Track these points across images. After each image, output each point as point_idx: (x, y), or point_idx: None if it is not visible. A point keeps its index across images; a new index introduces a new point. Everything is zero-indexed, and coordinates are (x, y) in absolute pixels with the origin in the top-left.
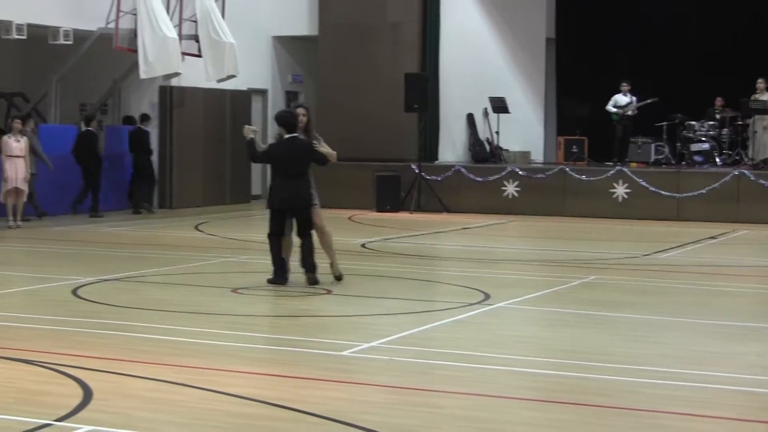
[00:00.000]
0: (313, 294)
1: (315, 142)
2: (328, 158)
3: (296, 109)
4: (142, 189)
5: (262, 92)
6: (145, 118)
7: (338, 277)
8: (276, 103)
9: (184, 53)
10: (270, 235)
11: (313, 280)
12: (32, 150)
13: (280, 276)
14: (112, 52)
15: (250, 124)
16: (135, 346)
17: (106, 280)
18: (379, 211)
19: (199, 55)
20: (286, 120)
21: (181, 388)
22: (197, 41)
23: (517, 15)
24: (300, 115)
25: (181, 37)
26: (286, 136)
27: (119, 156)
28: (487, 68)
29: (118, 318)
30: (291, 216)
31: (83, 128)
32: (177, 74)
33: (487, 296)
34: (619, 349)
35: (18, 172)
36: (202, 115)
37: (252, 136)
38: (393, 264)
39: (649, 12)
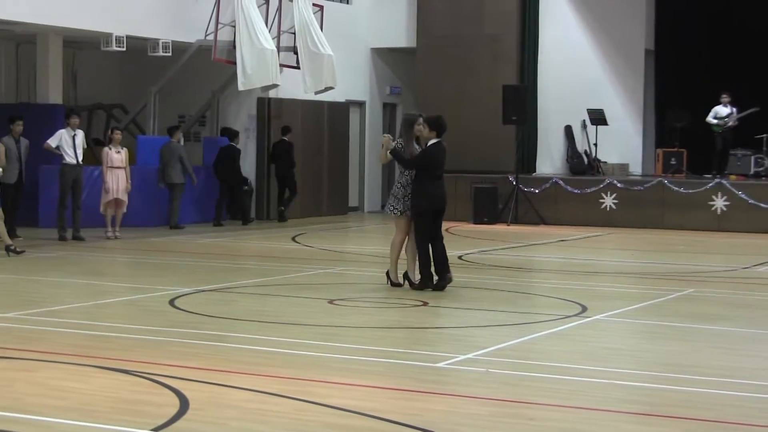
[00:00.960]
0: (410, 306)
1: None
2: None
3: (419, 118)
4: (227, 202)
5: (360, 104)
6: (235, 134)
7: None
8: (374, 115)
9: (282, 65)
10: (425, 240)
11: (450, 279)
12: (180, 160)
13: (432, 280)
14: (210, 64)
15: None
16: (231, 356)
17: (203, 290)
18: (476, 222)
19: (298, 67)
20: (440, 124)
21: (278, 398)
22: (295, 53)
23: (616, 26)
24: (420, 124)
25: (279, 48)
26: (434, 140)
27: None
28: (586, 80)
29: (214, 328)
30: (437, 218)
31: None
32: (275, 86)
33: (584, 308)
34: (717, 362)
35: (119, 182)
36: (300, 127)
37: (393, 144)
38: (490, 276)
39: (748, 19)
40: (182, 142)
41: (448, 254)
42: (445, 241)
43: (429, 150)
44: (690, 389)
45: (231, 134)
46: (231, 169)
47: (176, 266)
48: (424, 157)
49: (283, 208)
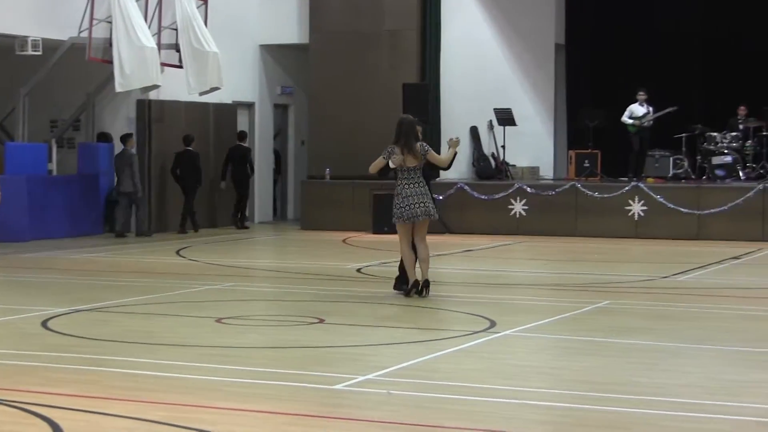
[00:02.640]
0: (304, 323)
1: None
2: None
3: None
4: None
5: (249, 105)
6: (191, 140)
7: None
8: (264, 117)
9: (163, 64)
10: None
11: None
12: (131, 169)
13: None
14: (85, 63)
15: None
16: (110, 381)
17: (80, 310)
18: (376, 232)
19: (180, 66)
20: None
21: (161, 427)
22: (178, 51)
23: (524, 20)
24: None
25: (160, 46)
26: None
27: (94, 177)
28: (492, 78)
29: (92, 351)
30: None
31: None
32: (156, 87)
33: (493, 323)
34: (637, 378)
35: None
36: (183, 131)
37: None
38: (391, 290)
39: (666, 15)
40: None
41: (347, 267)
42: (347, 253)
43: None
44: (609, 408)
45: (188, 140)
46: (191, 173)
47: (50, 284)
48: None
49: (184, 224)
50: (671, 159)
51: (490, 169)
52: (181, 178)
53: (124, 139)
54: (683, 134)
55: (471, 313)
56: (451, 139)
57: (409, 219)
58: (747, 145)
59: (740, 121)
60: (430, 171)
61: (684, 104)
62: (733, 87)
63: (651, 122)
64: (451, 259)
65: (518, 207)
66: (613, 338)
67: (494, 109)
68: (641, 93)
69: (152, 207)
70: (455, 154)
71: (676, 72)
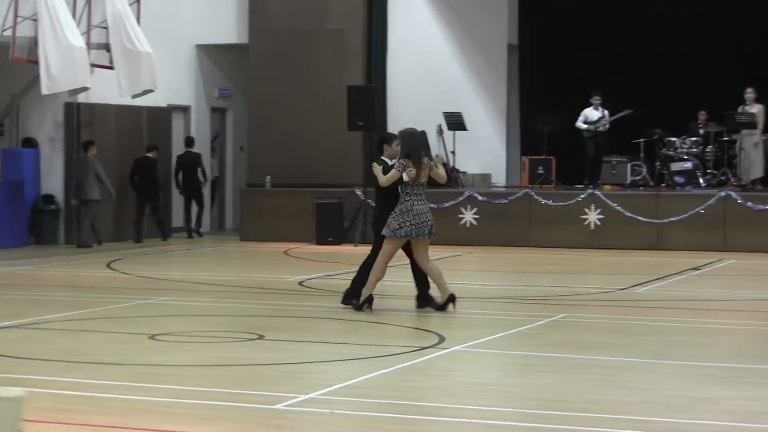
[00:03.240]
0: (242, 340)
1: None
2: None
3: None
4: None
5: (184, 109)
6: (153, 147)
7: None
8: (200, 122)
9: (93, 65)
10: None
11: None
12: (96, 176)
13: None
14: (9, 63)
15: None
16: (33, 402)
17: (2, 327)
18: (319, 243)
19: (111, 67)
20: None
21: None
22: (108, 51)
23: (476, 19)
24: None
25: (89, 46)
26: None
27: (18, 184)
28: (442, 80)
29: (14, 370)
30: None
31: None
32: (85, 89)
33: (441, 339)
34: (594, 396)
35: None
36: (114, 136)
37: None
38: (335, 304)
39: (623, 15)
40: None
41: (288, 280)
42: (289, 265)
43: None
44: (565, 427)
45: (150, 147)
46: (149, 181)
47: None
48: None
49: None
50: (629, 165)
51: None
52: (138, 186)
53: (86, 146)
54: (641, 139)
55: (419, 327)
56: (437, 156)
57: (419, 235)
58: (707, 150)
59: (701, 125)
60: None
61: (642, 108)
62: (694, 90)
63: (606, 127)
64: (398, 271)
65: (469, 216)
66: (569, 354)
67: (444, 112)
68: (596, 97)
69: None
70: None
71: (634, 74)
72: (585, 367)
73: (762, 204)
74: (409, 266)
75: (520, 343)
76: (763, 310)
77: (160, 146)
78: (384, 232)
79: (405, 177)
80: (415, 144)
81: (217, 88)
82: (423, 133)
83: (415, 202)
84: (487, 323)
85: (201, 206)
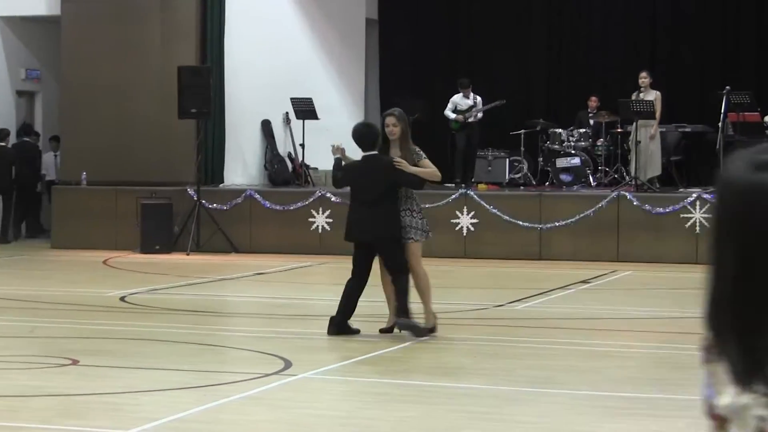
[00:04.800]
0: (53, 365)
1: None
2: (425, 177)
3: (385, 118)
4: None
5: None
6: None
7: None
8: (4, 108)
9: None
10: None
11: (403, 326)
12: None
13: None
14: None
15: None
16: None
17: None
18: (144, 252)
19: None
20: (360, 135)
21: None
22: None
23: None
24: (389, 125)
25: None
26: (364, 154)
27: None
28: (289, 60)
29: None
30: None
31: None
32: None
33: (288, 364)
34: (466, 431)
35: None
36: None
37: (338, 155)
38: (163, 323)
39: None
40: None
41: (108, 295)
42: (109, 277)
43: (346, 167)
44: None
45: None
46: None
47: None
48: (341, 177)
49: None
50: (507, 161)
51: (286, 173)
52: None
53: (2, 135)
54: (521, 131)
55: (262, 351)
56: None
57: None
58: (598, 144)
59: (591, 114)
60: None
61: (523, 94)
62: (582, 74)
63: (479, 116)
64: (238, 284)
65: (321, 220)
66: (437, 381)
67: (291, 98)
68: (464, 80)
69: None
70: (337, 161)
71: (512, 55)
72: (456, 396)
73: (661, 207)
74: (251, 278)
75: (380, 368)
76: (661, 330)
77: None
78: (415, 236)
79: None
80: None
81: (23, 68)
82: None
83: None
84: (341, 345)
85: (39, 206)
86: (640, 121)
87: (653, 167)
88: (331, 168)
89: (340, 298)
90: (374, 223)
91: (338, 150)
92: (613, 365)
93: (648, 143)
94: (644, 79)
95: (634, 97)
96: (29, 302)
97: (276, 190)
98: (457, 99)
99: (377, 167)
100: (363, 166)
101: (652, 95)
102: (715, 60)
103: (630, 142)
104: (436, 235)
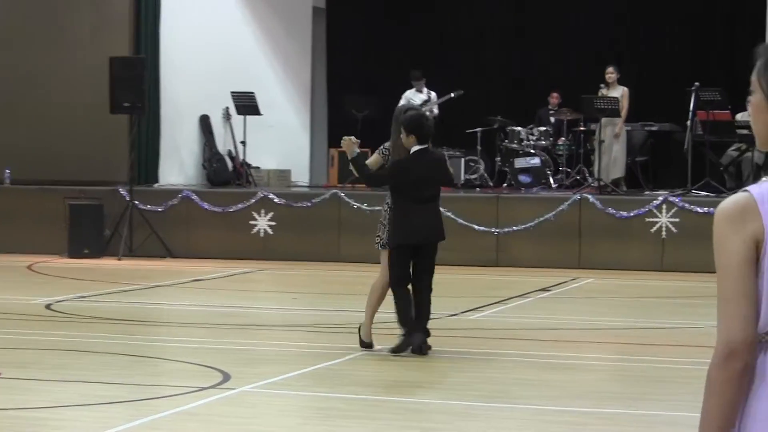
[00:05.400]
0: None
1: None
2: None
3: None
4: None
5: None
6: None
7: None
8: None
9: None
10: (399, 284)
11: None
12: None
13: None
14: None
15: None
16: None
17: None
18: (72, 256)
19: None
20: (419, 124)
21: None
22: None
23: None
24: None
25: None
26: (417, 148)
27: None
28: (229, 52)
29: None
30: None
31: None
32: None
33: (226, 377)
34: None
35: None
36: None
37: (357, 150)
38: (92, 333)
39: None
40: None
41: (32, 302)
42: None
43: (398, 163)
44: None
45: None
46: None
47: None
48: (391, 172)
49: None
50: (462, 161)
51: (226, 173)
52: None
53: None
54: (478, 129)
55: (198, 363)
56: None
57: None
58: (560, 144)
59: (552, 112)
60: None
61: (479, 89)
62: (543, 69)
63: (434, 112)
64: (175, 291)
65: (263, 223)
66: (384, 395)
67: (232, 92)
68: (416, 72)
69: None
70: (355, 161)
71: (468, 48)
72: (405, 412)
73: (625, 210)
74: (188, 284)
75: (324, 381)
76: (624, 342)
77: None
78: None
79: None
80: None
81: None
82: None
83: None
84: (283, 357)
85: None
86: (604, 119)
87: (617, 168)
88: (274, 167)
89: (402, 310)
90: (438, 221)
91: (354, 144)
92: (572, 378)
93: (612, 142)
94: (611, 74)
95: (600, 93)
96: None
97: (215, 190)
98: (410, 94)
99: (436, 161)
100: (419, 161)
101: (619, 91)
102: (683, 54)
103: (593, 141)
104: None
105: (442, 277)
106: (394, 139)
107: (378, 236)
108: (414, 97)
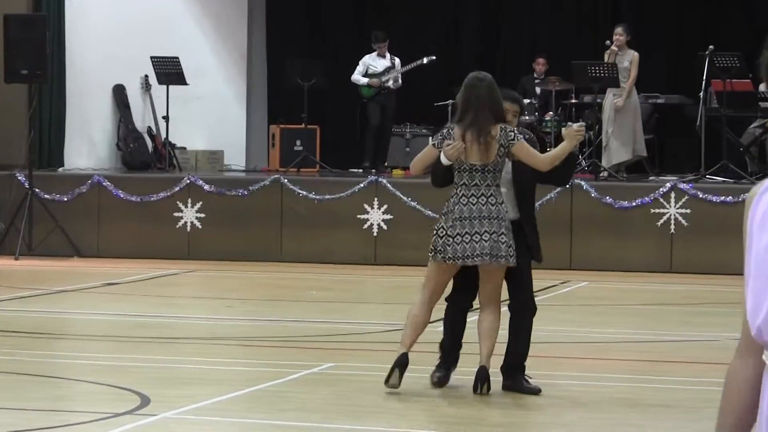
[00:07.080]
0: None
1: None
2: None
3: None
4: None
5: None
6: None
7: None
8: None
9: None
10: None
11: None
12: None
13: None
14: None
15: None
16: None
17: None
18: None
19: None
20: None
21: None
22: None
23: None
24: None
25: None
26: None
27: None
28: (150, 10)
29: None
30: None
31: None
32: None
33: (145, 401)
34: None
35: None
36: None
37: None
38: None
39: None
40: None
41: None
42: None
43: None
44: None
45: None
46: None
47: None
48: None
49: None
50: (430, 140)
51: (145, 154)
52: None
53: None
54: (449, 101)
55: (111, 384)
56: (569, 126)
57: (455, 258)
58: (547, 119)
59: (537, 81)
60: (528, 177)
61: (451, 55)
62: (528, 31)
63: (398, 83)
64: (82, 297)
65: (189, 215)
66: (332, 422)
67: (152, 57)
68: (380, 33)
69: None
70: (573, 151)
71: (438, 6)
72: None
73: (626, 199)
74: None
75: (262, 406)
76: (624, 359)
77: None
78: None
79: (442, 157)
80: (470, 99)
81: None
82: (492, 83)
83: (462, 200)
84: (213, 377)
85: None
86: (613, 91)
87: (620, 150)
88: (202, 148)
89: (449, 332)
90: None
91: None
92: (560, 404)
93: (612, 116)
94: (620, 36)
95: (606, 57)
96: None
97: (132, 175)
98: (369, 59)
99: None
100: None
101: (629, 57)
102: (693, 14)
103: (599, 113)
104: (339, 232)
105: (403, 280)
106: (483, 119)
107: (511, 248)
108: (374, 62)
